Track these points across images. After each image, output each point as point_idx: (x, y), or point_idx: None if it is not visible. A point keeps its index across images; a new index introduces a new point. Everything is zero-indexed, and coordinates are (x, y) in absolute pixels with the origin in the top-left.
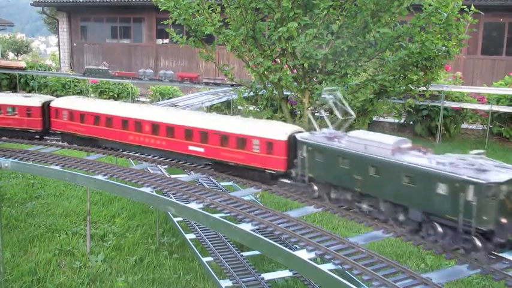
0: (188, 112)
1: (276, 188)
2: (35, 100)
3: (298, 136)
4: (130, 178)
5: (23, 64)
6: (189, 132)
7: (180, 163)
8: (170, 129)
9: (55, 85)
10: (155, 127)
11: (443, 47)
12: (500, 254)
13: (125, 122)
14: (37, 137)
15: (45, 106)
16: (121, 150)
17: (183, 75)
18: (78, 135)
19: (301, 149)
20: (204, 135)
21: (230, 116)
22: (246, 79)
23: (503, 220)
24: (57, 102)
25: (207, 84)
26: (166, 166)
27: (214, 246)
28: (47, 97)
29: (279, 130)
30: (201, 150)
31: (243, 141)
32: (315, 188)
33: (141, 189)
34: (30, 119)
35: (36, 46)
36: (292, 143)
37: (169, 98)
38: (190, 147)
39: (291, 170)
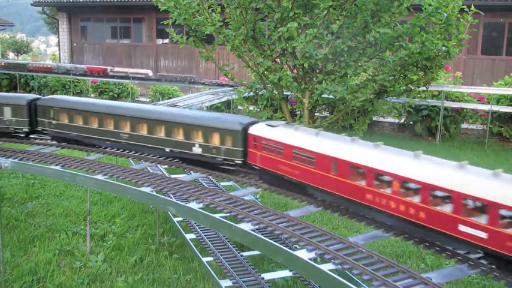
0: None
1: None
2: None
3: None
4: (130, 178)
5: (106, 69)
6: None
7: (179, 163)
8: None
9: (55, 85)
10: None
11: (443, 47)
12: None
13: None
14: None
15: None
16: None
17: (91, 69)
18: None
19: None
20: None
21: None
22: (246, 79)
23: None
24: None
25: (118, 77)
26: (166, 166)
27: (214, 246)
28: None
29: None
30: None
31: None
32: None
33: (141, 189)
34: None
35: (36, 46)
36: None
37: (169, 98)
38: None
39: None
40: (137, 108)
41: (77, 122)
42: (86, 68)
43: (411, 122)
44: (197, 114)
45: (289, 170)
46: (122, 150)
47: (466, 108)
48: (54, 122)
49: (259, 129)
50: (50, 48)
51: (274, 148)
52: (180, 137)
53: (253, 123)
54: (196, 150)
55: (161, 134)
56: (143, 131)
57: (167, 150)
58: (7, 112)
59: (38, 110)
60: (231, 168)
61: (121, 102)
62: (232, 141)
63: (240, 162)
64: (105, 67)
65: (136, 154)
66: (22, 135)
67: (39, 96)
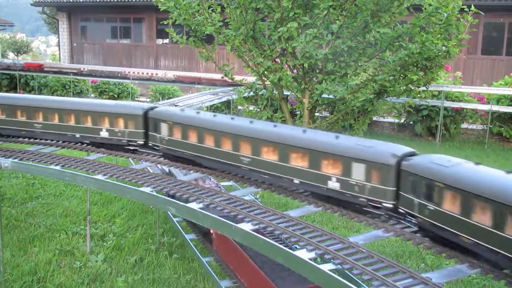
0: None
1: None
2: None
3: None
4: (130, 178)
5: (42, 65)
6: None
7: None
8: None
9: (55, 85)
10: None
11: (444, 47)
12: None
13: None
14: None
15: None
16: None
17: (28, 65)
18: None
19: None
20: None
21: None
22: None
23: None
24: None
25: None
26: (166, 166)
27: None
28: None
29: None
30: None
31: None
32: None
33: (141, 189)
34: None
35: (36, 46)
36: None
37: (169, 98)
38: None
39: None
40: None
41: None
42: (24, 64)
43: (411, 122)
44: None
45: None
46: None
47: (466, 108)
48: None
49: None
50: (50, 48)
51: None
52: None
53: None
54: None
55: None
56: None
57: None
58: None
59: None
60: None
61: None
62: None
63: None
64: (41, 63)
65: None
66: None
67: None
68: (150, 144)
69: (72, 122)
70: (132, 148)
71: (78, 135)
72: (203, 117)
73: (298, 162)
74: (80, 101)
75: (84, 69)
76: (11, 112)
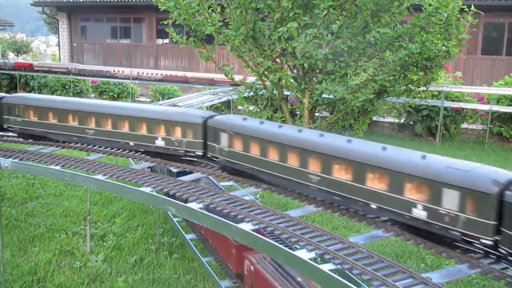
0: None
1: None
2: None
3: None
4: (130, 178)
5: (32, 64)
6: None
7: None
8: None
9: (55, 85)
10: None
11: (444, 47)
12: None
13: None
14: None
15: None
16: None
17: (19, 64)
18: None
19: None
20: None
21: None
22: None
23: None
24: None
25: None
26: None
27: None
28: None
29: None
30: None
31: None
32: None
33: (141, 189)
34: None
35: (36, 46)
36: None
37: (169, 98)
38: None
39: None
40: None
41: None
42: (14, 63)
43: (411, 122)
44: None
45: None
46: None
47: (466, 108)
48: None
49: None
50: (50, 48)
51: None
52: None
53: None
54: None
55: None
56: None
57: None
58: None
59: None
60: None
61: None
62: None
63: None
64: (30, 62)
65: (135, 154)
66: None
67: None
68: (208, 155)
69: (126, 129)
70: (189, 159)
71: (131, 143)
72: (267, 127)
73: (376, 184)
74: (135, 106)
75: (73, 68)
76: (62, 116)
